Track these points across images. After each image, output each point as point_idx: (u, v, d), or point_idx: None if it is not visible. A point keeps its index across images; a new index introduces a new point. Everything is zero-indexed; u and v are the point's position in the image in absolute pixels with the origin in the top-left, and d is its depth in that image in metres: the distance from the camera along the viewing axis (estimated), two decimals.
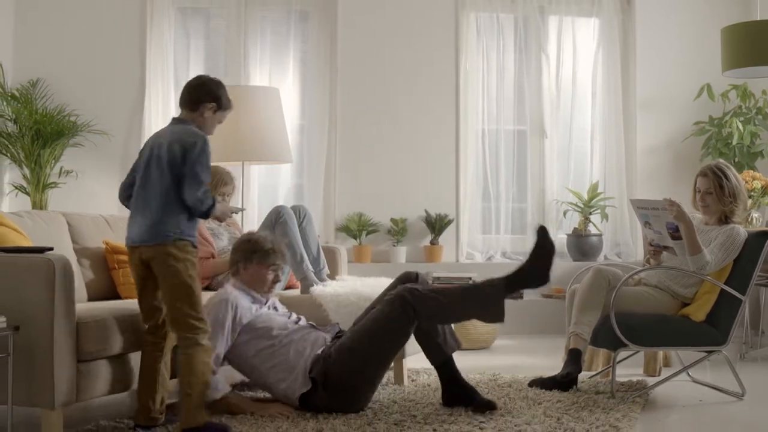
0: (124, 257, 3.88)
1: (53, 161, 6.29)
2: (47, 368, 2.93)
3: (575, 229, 6.69)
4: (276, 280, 3.80)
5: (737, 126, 6.31)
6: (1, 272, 3.00)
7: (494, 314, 3.59)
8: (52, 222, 3.92)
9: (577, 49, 6.97)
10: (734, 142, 6.30)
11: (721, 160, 4.40)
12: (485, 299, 3.58)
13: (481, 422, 3.33)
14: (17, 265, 2.99)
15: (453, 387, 3.70)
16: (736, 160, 6.38)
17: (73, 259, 3.87)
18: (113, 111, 6.55)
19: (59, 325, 2.95)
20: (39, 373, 2.94)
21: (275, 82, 6.68)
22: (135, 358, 3.30)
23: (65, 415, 3.08)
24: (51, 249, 3.14)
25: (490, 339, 5.75)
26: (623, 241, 6.86)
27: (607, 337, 3.99)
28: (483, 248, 6.84)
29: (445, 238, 6.68)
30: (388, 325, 3.57)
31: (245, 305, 3.66)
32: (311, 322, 3.84)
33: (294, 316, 3.83)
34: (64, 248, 3.83)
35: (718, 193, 4.14)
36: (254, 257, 3.72)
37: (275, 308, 3.84)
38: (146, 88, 6.57)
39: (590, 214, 6.65)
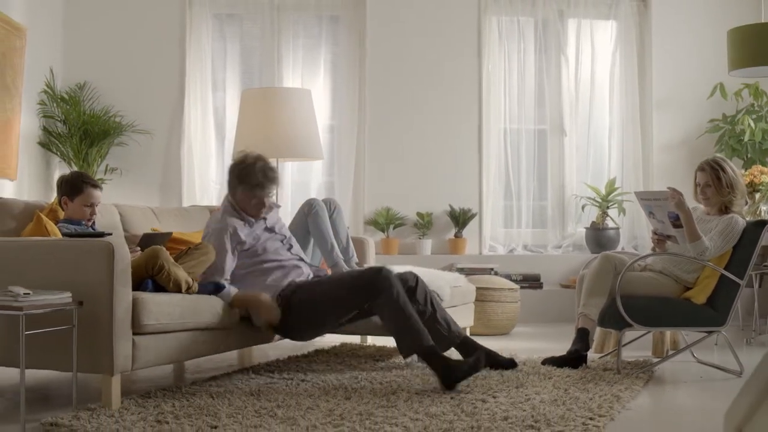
0: (169, 243, 4.24)
1: (100, 159, 6.68)
2: (107, 339, 3.28)
3: (593, 222, 6.96)
4: (261, 205, 4.14)
5: (749, 123, 6.54)
6: (67, 254, 3.37)
7: (402, 349, 3.91)
8: (106, 212, 4.31)
9: (596, 50, 7.23)
10: (746, 139, 6.54)
11: (717, 155, 4.68)
12: (407, 338, 3.86)
13: (494, 392, 3.65)
14: (81, 248, 3.35)
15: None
16: (748, 156, 6.62)
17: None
18: (155, 111, 6.94)
19: (118, 301, 3.30)
20: (100, 344, 3.29)
21: (307, 83, 7.02)
22: (184, 334, 3.63)
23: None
24: (110, 234, 3.52)
25: (510, 326, 6.04)
26: (640, 234, 7.11)
27: (613, 318, 4.30)
28: (505, 241, 7.14)
29: (469, 231, 6.98)
30: (352, 280, 4.01)
31: (240, 228, 4.08)
32: (302, 256, 4.29)
33: (289, 242, 4.27)
34: (116, 235, 4.19)
35: (716, 185, 4.41)
36: (240, 187, 4.13)
37: (272, 229, 4.22)
38: (186, 89, 6.95)
39: (608, 208, 6.91)
